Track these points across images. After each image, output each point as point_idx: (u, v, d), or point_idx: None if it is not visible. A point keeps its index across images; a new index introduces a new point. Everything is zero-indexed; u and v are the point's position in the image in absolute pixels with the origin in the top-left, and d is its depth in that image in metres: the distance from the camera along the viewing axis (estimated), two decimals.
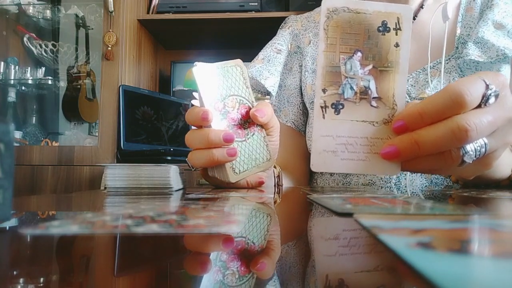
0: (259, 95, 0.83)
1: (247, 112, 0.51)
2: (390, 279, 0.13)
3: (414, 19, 0.72)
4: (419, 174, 0.68)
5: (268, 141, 0.53)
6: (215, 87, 0.50)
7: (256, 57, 0.82)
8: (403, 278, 0.13)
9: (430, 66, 0.68)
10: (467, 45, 0.67)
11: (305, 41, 0.81)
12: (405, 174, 0.69)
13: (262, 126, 0.53)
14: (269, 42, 0.84)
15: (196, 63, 0.49)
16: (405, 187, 0.66)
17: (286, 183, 0.73)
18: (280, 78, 0.81)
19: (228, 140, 0.47)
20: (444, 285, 0.10)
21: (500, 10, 0.68)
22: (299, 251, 0.18)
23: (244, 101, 0.52)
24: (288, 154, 0.79)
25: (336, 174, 0.75)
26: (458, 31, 0.71)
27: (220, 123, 0.49)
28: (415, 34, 0.72)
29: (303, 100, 0.81)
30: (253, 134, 0.52)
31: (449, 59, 0.69)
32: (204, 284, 0.13)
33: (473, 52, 0.66)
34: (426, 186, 0.68)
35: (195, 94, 0.53)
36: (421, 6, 0.72)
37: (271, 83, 0.79)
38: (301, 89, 0.81)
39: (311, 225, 0.26)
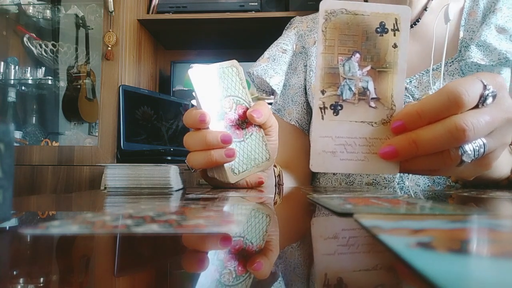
0: (264, 95, 0.83)
1: (244, 113, 0.51)
2: (390, 279, 0.13)
3: (417, 21, 0.73)
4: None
5: (267, 141, 0.53)
6: (212, 89, 0.50)
7: (262, 56, 0.83)
8: (403, 278, 0.13)
9: (433, 68, 0.69)
10: (470, 48, 0.67)
11: (310, 42, 0.81)
12: (408, 174, 0.69)
13: (260, 125, 0.53)
14: (274, 42, 0.85)
15: (192, 65, 0.49)
16: (408, 187, 0.67)
17: (289, 182, 0.73)
18: (285, 78, 0.82)
19: (225, 141, 0.47)
20: (444, 285, 0.10)
21: (503, 15, 0.68)
22: (298, 251, 0.18)
23: (241, 101, 0.52)
24: (291, 153, 0.80)
25: (339, 173, 0.75)
26: (461, 34, 0.71)
27: (218, 124, 0.49)
28: (419, 36, 0.73)
29: (307, 100, 0.81)
30: (251, 134, 0.52)
31: (452, 62, 0.70)
32: (202, 283, 0.13)
33: (475, 55, 0.66)
34: (428, 186, 0.68)
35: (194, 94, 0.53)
36: (424, 9, 0.73)
37: (276, 81, 0.79)
38: (305, 89, 0.81)
39: (310, 225, 0.26)
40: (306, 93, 0.81)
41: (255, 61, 0.84)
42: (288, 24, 0.89)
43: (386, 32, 0.40)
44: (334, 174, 0.76)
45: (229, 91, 0.51)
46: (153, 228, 0.19)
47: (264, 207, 0.33)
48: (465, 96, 0.35)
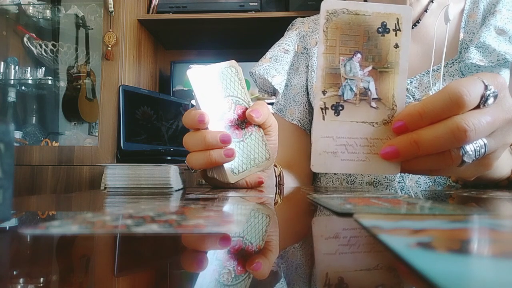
0: (265, 95, 0.83)
1: (244, 113, 0.51)
2: (390, 279, 0.13)
3: (418, 22, 0.73)
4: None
5: (267, 140, 0.53)
6: (211, 89, 0.50)
7: (264, 56, 0.83)
8: (403, 278, 0.13)
9: (434, 69, 0.69)
10: (469, 49, 0.68)
11: (312, 42, 0.82)
12: (409, 174, 0.69)
13: (259, 125, 0.53)
14: (276, 43, 0.85)
15: (190, 65, 0.49)
16: (409, 187, 0.67)
17: (291, 182, 0.73)
18: (287, 78, 0.82)
19: (225, 141, 0.47)
20: (444, 285, 0.10)
21: (503, 17, 0.69)
22: (298, 250, 0.18)
23: (240, 101, 0.52)
24: (293, 152, 0.80)
25: (340, 173, 0.75)
26: (461, 36, 0.72)
27: (217, 124, 0.49)
28: (419, 37, 0.74)
29: (309, 100, 0.82)
30: (251, 134, 0.52)
31: (452, 63, 0.71)
32: (201, 283, 0.13)
33: (474, 56, 0.67)
34: (429, 186, 0.68)
35: None
36: (425, 10, 0.73)
37: (278, 81, 0.79)
38: (307, 89, 0.82)
39: (310, 225, 0.26)
40: (308, 93, 0.82)
41: (255, 61, 0.84)
42: (290, 25, 0.90)
43: (388, 32, 0.40)
44: (335, 173, 0.76)
45: (228, 92, 0.51)
46: (153, 228, 0.19)
47: (264, 207, 0.33)
48: (467, 96, 0.35)
